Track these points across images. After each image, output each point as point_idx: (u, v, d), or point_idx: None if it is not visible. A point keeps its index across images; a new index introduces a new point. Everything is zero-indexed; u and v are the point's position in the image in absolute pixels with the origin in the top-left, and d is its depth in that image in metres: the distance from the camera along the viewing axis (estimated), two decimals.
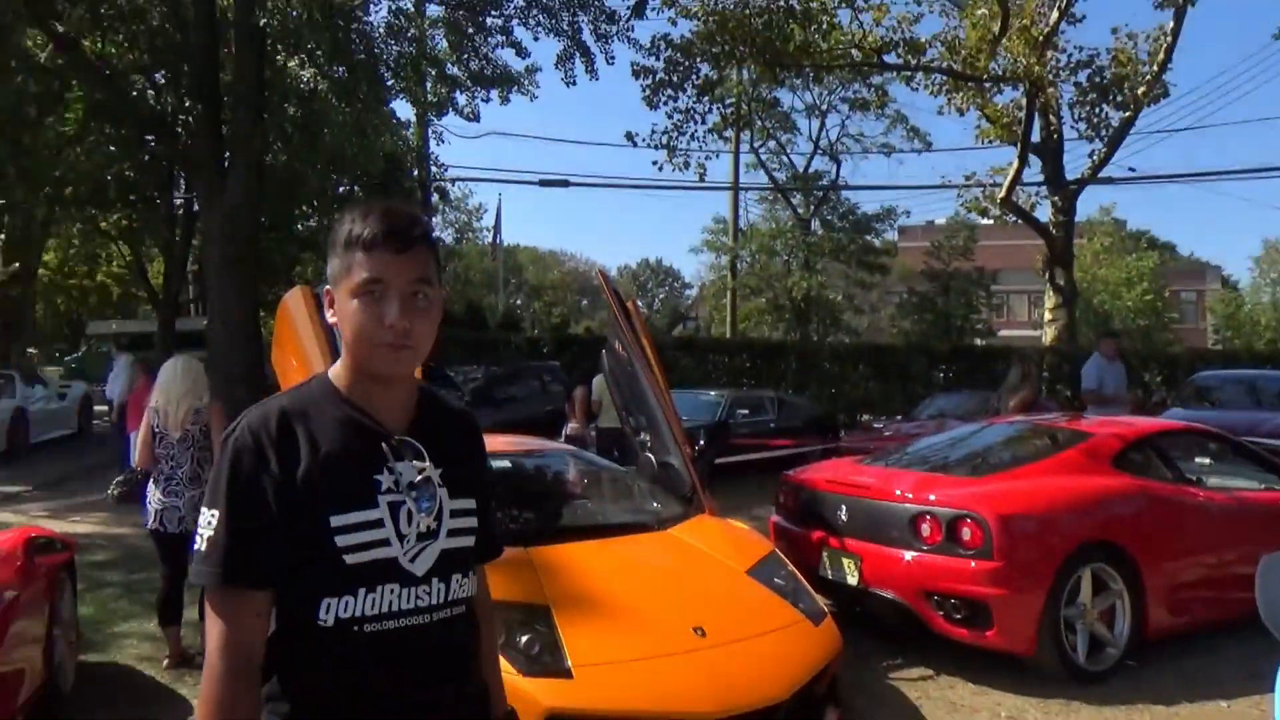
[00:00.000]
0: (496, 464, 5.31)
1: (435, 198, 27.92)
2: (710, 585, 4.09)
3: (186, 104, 14.92)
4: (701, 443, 8.45)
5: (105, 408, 15.46)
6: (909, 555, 4.84)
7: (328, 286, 1.42)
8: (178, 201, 21.85)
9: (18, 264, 20.17)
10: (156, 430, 4.71)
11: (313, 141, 14.45)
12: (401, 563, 1.36)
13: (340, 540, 1.32)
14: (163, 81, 18.13)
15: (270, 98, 13.67)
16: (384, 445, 1.39)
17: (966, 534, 4.64)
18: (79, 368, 26.82)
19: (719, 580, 4.14)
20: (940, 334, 28.22)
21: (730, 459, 9.88)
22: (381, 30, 15.37)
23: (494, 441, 6.18)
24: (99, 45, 16.15)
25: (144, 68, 17.40)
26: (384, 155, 18.16)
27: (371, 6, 15.24)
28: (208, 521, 1.33)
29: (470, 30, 15.66)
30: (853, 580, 5.08)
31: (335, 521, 1.32)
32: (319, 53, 12.99)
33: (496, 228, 36.66)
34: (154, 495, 4.65)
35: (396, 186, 22.88)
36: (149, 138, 16.81)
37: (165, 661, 4.77)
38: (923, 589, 4.77)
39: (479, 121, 21.05)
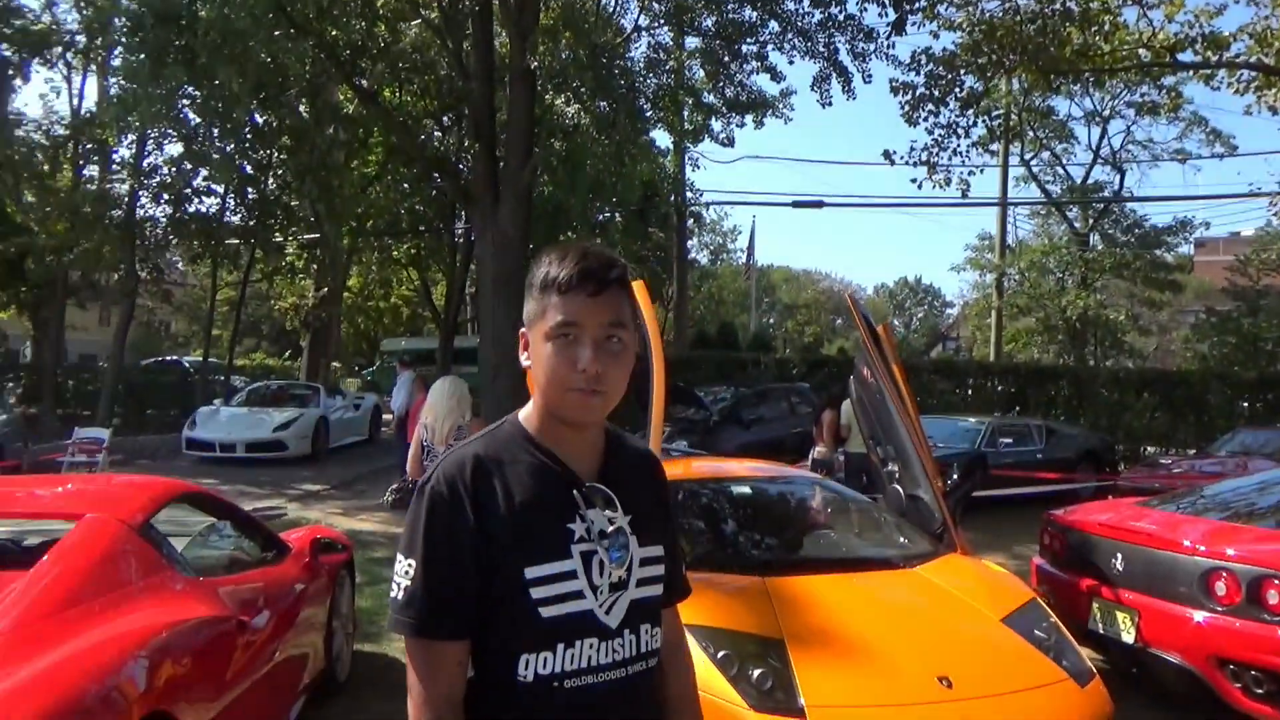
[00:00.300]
0: (736, 489, 5.30)
1: (690, 222, 28.58)
2: (959, 631, 3.82)
3: (465, 144, 16.28)
4: (955, 475, 7.96)
5: (390, 417, 17.09)
6: (1199, 616, 4.28)
7: (524, 329, 1.40)
8: (458, 231, 23.78)
9: (326, 289, 22.82)
10: (425, 444, 5.13)
11: (575, 173, 15.28)
12: (598, 615, 1.33)
13: (535, 593, 1.30)
14: (447, 125, 19.95)
15: (538, 134, 14.60)
16: (575, 493, 1.36)
17: (1274, 597, 4.03)
18: (373, 380, 29.88)
19: (969, 627, 3.85)
20: (1245, 359, 24.87)
21: (989, 492, 9.24)
22: (641, 64, 16.02)
23: (735, 466, 6.20)
24: (395, 96, 18.06)
25: (432, 114, 19.24)
26: (642, 183, 18.86)
27: (632, 43, 15.86)
28: (404, 571, 1.32)
29: (726, 59, 15.92)
30: (1128, 638, 4.57)
31: (530, 574, 1.30)
32: (583, 90, 13.72)
33: (750, 249, 37.01)
34: None
35: (654, 212, 23.68)
36: (435, 175, 18.50)
37: None
38: (1217, 655, 4.20)
39: (733, 146, 21.35)
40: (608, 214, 21.29)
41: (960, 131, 15.54)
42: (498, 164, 14.49)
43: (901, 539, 4.83)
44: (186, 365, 27.57)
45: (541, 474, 1.36)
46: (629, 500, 1.40)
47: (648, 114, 16.09)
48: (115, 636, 2.62)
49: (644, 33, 16.01)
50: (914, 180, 15.53)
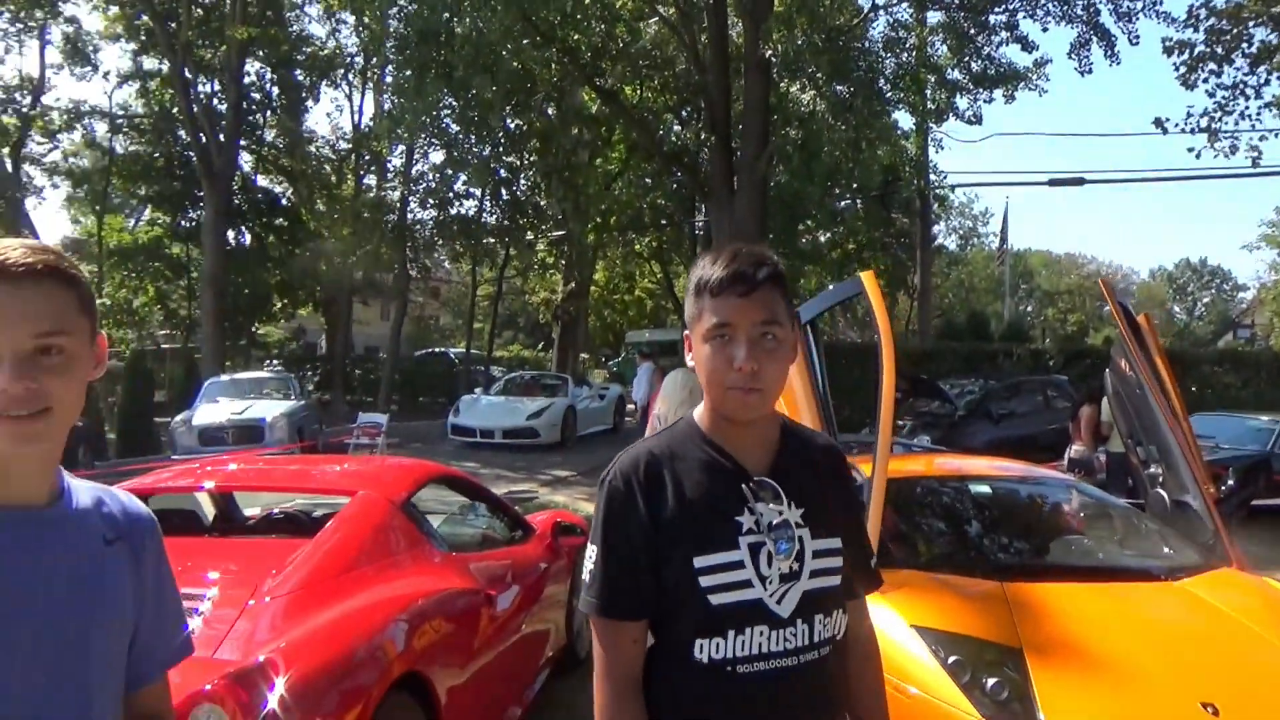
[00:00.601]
0: (979, 489, 5.04)
1: (935, 206, 27.33)
2: (1229, 653, 3.43)
3: (702, 137, 16.52)
4: (1231, 480, 7.12)
5: (632, 407, 17.69)
6: None
7: (686, 331, 1.45)
8: (698, 224, 24.18)
9: (574, 284, 23.98)
10: None
11: (811, 160, 15.10)
12: (768, 604, 1.37)
13: (704, 581, 1.36)
14: (686, 118, 20.32)
15: (774, 123, 14.55)
16: (744, 486, 1.41)
17: None
18: (618, 372, 31.02)
19: (1242, 649, 3.45)
20: None
21: (1274, 500, 8.18)
22: (879, 44, 15.52)
23: (980, 464, 5.89)
24: (636, 94, 18.64)
25: (671, 108, 19.69)
26: (882, 167, 18.27)
27: (869, 23, 15.40)
28: (591, 556, 1.44)
29: (971, 31, 15.07)
30: None
31: (699, 563, 1.36)
32: (819, 75, 13.51)
33: (1003, 232, 34.84)
34: None
35: (895, 197, 22.89)
36: (674, 170, 18.92)
37: None
38: None
39: (981, 124, 20.15)
40: (847, 200, 20.82)
41: (1249, 92, 13.82)
42: (733, 155, 14.59)
43: (1165, 549, 4.40)
44: (452, 356, 29.94)
45: (711, 469, 1.42)
46: (802, 493, 1.43)
47: (887, 95, 15.54)
48: (380, 601, 2.94)
49: (882, 11, 15.51)
50: (1192, 149, 14.01)
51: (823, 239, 25.30)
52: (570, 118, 16.79)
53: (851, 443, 5.52)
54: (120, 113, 25.03)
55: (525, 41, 12.97)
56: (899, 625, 3.31)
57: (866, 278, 4.39)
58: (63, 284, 1.11)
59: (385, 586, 3.06)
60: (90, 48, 22.74)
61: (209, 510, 4.59)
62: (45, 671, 1.10)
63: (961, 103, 16.91)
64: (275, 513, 4.64)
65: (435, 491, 4.36)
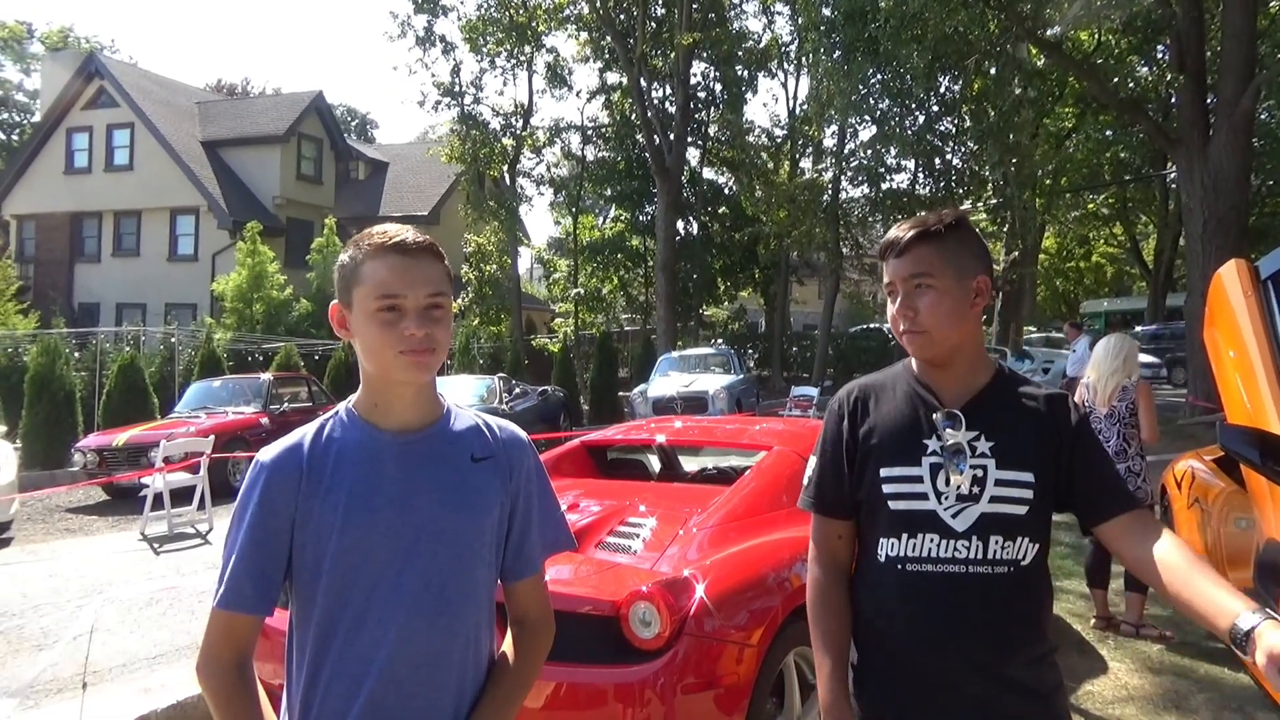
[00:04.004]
0: None
1: None
2: None
3: (1168, 78, 14.60)
4: None
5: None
6: None
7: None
8: (1170, 177, 21.43)
9: (1016, 252, 22.53)
10: (1086, 406, 4.97)
11: None
12: (941, 516, 1.57)
13: (887, 489, 1.61)
14: (1149, 60, 18.05)
15: (1261, 51, 12.42)
16: (936, 416, 1.63)
17: None
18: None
19: None
20: None
21: None
22: None
23: None
24: (1091, 39, 16.99)
25: (1136, 49, 17.61)
26: None
27: None
28: (810, 463, 1.77)
29: None
30: None
31: (884, 473, 1.62)
32: None
33: None
34: None
35: None
36: (1135, 120, 16.96)
37: (1092, 621, 5.04)
38: None
39: None
40: None
41: None
42: (1207, 94, 12.74)
43: None
44: (886, 331, 29.76)
45: (911, 398, 1.68)
46: (994, 428, 1.61)
47: None
48: (785, 540, 3.29)
49: None
50: None
51: None
52: (1008, 75, 15.80)
53: None
54: (590, 125, 28.61)
55: (954, 2, 12.51)
56: None
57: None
58: (439, 259, 1.43)
59: (795, 528, 3.40)
60: (566, 71, 26.30)
61: (655, 463, 5.34)
62: (423, 556, 1.38)
63: None
64: (709, 468, 5.25)
65: None
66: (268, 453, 1.42)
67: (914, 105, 16.32)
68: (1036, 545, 1.59)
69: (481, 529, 1.44)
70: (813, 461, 1.78)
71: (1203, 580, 1.37)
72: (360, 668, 1.35)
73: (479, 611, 1.45)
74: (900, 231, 1.66)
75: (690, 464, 5.56)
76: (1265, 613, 1.25)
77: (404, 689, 1.36)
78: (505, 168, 25.57)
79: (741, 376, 16.45)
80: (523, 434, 1.58)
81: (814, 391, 14.20)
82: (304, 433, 1.44)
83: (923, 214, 1.71)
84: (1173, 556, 1.43)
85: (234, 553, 1.37)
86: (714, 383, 15.19)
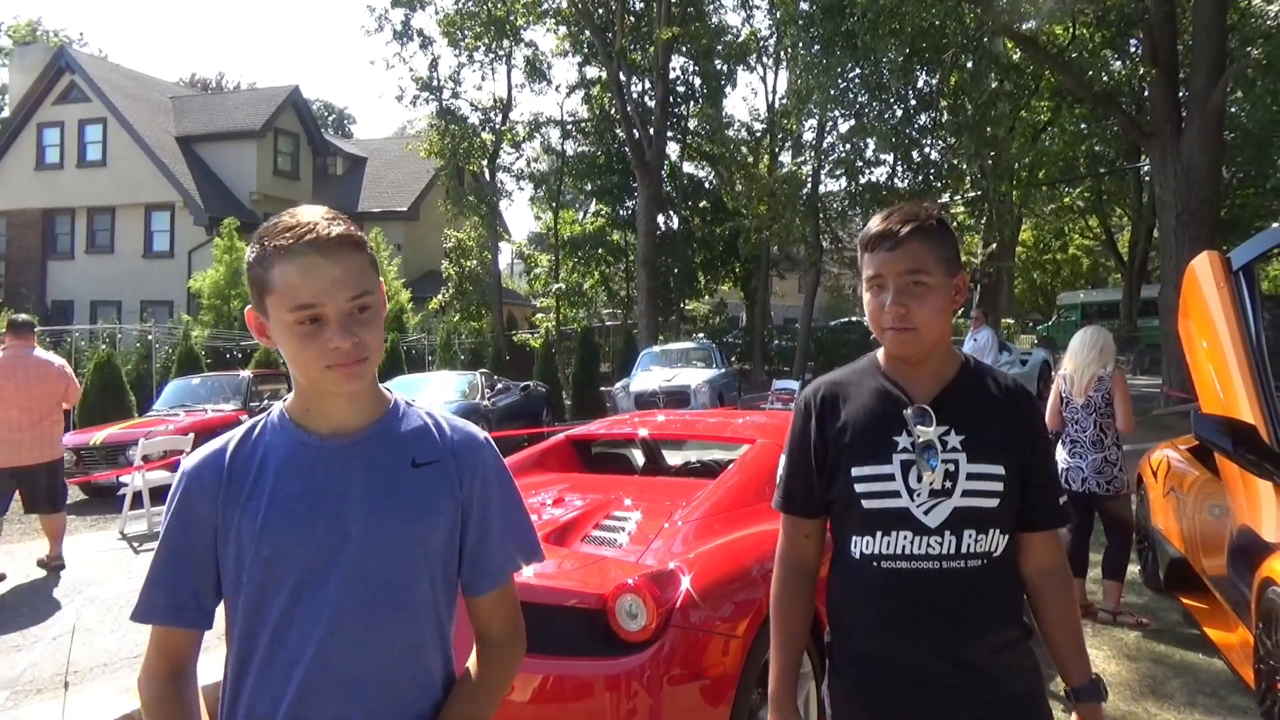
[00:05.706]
0: None
1: None
2: None
3: (1140, 72, 14.75)
4: None
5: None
6: None
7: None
8: (1144, 169, 21.67)
9: (994, 245, 22.71)
10: (1064, 396, 5.05)
11: None
12: (914, 513, 1.57)
13: (859, 488, 1.59)
14: (1121, 53, 18.23)
15: (1231, 45, 12.58)
16: (906, 412, 1.60)
17: None
18: (1048, 336, 28.81)
19: None
20: None
21: None
22: None
23: None
24: (1067, 33, 17.13)
25: (1109, 43, 17.77)
26: None
27: None
28: (780, 462, 1.75)
29: None
30: None
31: (856, 473, 1.60)
32: None
33: None
34: (1060, 455, 5.01)
35: None
36: (1108, 113, 17.13)
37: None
38: None
39: None
40: None
41: None
42: (1179, 88, 12.88)
43: None
44: (866, 325, 29.91)
45: (880, 395, 1.65)
46: (964, 422, 1.60)
47: None
48: (770, 532, 3.28)
49: None
50: None
51: None
52: (984, 69, 15.91)
53: None
54: (569, 119, 28.55)
55: None
56: None
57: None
58: (359, 249, 1.27)
59: (779, 521, 3.43)
60: (545, 65, 26.22)
61: (639, 457, 5.36)
62: (349, 569, 1.26)
63: None
64: (693, 461, 5.29)
65: None
66: (190, 460, 1.35)
67: (892, 99, 16.37)
68: (1007, 536, 1.61)
69: (421, 539, 1.31)
70: (782, 460, 1.77)
71: (1064, 635, 1.66)
72: (278, 688, 1.26)
73: (419, 629, 1.32)
74: (893, 224, 1.60)
75: (674, 458, 5.59)
76: (1090, 689, 1.63)
77: (328, 711, 1.26)
78: (485, 162, 25.49)
79: (723, 370, 16.49)
80: (480, 433, 1.43)
81: (795, 385, 14.29)
82: (230, 437, 1.35)
83: (905, 205, 1.67)
84: (1054, 599, 1.66)
85: (150, 564, 1.32)
86: (696, 377, 15.22)
